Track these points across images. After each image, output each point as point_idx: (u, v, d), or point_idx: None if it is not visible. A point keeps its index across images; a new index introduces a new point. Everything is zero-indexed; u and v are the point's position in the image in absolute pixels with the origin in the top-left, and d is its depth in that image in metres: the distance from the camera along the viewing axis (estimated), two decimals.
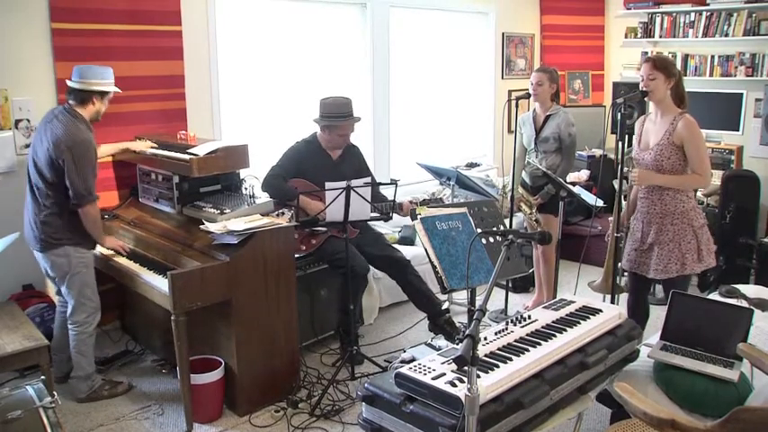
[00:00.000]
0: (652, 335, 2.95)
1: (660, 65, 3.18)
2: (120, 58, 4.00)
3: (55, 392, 2.18)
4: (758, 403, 2.26)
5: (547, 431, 2.28)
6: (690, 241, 3.24)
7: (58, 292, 3.47)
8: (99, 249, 3.56)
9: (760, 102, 5.56)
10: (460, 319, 4.32)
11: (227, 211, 3.42)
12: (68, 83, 3.28)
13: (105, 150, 3.72)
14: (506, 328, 2.47)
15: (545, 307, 2.76)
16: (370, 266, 3.99)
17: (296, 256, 3.56)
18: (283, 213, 3.67)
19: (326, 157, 4.01)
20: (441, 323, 3.96)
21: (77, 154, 3.13)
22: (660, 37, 6.18)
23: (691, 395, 2.46)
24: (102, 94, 3.29)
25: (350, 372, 3.68)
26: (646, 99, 3.29)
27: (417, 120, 5.92)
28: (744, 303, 2.86)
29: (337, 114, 3.90)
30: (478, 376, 1.98)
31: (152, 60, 4.17)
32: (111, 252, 3.51)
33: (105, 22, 3.95)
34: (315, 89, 5.11)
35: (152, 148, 3.77)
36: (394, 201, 3.78)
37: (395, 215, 3.84)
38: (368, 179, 3.65)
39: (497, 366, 2.15)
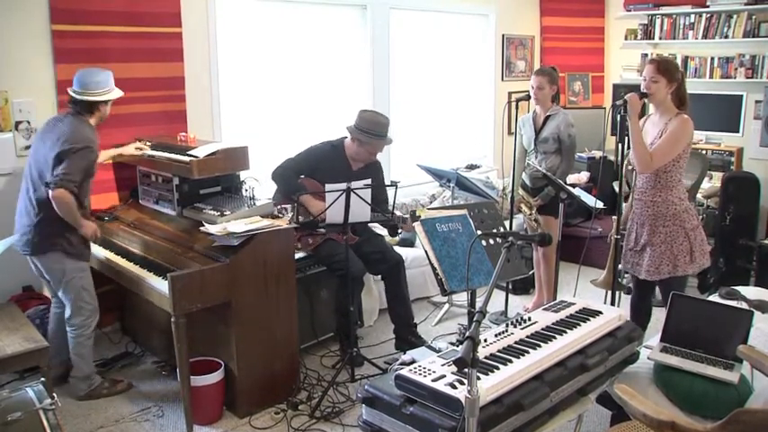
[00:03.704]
0: (652, 336, 2.95)
1: (663, 68, 3.16)
2: (121, 60, 4.01)
3: (55, 394, 2.18)
4: (758, 405, 2.26)
5: None
6: (682, 243, 3.23)
7: (55, 294, 3.48)
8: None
9: (760, 103, 5.56)
10: (461, 320, 4.32)
11: (227, 212, 3.43)
12: (72, 94, 3.26)
13: (99, 158, 3.72)
14: (506, 330, 2.47)
15: (545, 309, 2.76)
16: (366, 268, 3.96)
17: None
18: (283, 215, 3.66)
19: (346, 167, 3.96)
20: (407, 336, 3.94)
21: (78, 148, 3.13)
22: (660, 39, 6.18)
23: (691, 397, 2.46)
24: (107, 101, 3.32)
25: (350, 374, 3.68)
26: (645, 100, 3.29)
27: (417, 121, 5.92)
28: (744, 305, 2.86)
29: (374, 133, 3.84)
30: (478, 378, 1.97)
31: (152, 62, 4.17)
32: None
33: (106, 23, 3.95)
34: (315, 91, 5.13)
35: (146, 150, 3.76)
36: (393, 208, 3.77)
37: (401, 230, 3.86)
38: (368, 180, 3.64)
39: (497, 368, 2.15)
